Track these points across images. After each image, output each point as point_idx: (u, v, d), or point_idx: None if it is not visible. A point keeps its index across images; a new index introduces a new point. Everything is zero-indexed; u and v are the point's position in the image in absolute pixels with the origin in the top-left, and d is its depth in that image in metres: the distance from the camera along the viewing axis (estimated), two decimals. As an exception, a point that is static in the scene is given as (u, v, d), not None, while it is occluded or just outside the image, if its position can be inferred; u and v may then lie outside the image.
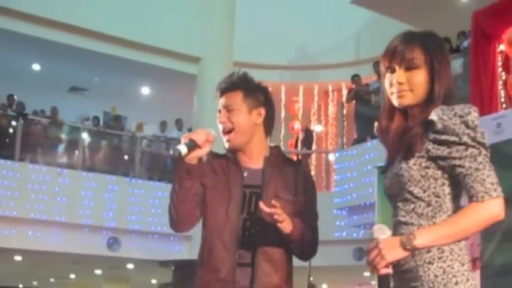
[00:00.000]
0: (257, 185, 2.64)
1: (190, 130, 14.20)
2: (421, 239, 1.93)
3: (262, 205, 2.41)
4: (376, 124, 10.04)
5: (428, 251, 1.97)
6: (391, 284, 2.04)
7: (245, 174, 2.65)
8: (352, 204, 10.30)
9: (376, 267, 1.96)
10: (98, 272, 15.65)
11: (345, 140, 12.10)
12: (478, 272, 6.13)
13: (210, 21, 14.20)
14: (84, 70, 14.65)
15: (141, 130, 14.61)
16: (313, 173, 13.02)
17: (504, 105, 8.26)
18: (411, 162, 2.03)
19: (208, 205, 2.63)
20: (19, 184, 11.73)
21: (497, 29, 8.45)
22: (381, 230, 2.00)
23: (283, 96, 14.63)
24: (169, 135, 14.67)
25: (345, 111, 12.33)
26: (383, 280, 1.99)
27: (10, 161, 12.02)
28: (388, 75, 2.11)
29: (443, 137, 1.97)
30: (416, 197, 2.02)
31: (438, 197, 2.01)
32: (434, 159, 2.00)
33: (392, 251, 1.95)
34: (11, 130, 12.87)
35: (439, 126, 1.98)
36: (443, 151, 1.98)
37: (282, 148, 2.88)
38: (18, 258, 13.61)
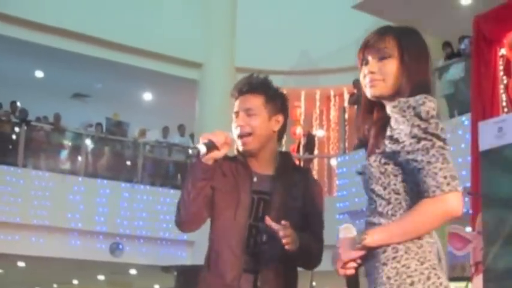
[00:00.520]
0: (265, 192, 2.61)
1: (192, 136, 14.23)
2: (372, 238, 1.86)
3: (268, 220, 2.39)
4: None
5: (384, 251, 1.88)
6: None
7: (255, 179, 2.63)
8: (354, 209, 10.30)
9: (336, 269, 1.92)
10: (101, 277, 15.66)
11: (346, 144, 12.11)
12: (480, 276, 6.14)
13: (211, 27, 14.24)
14: (87, 76, 14.69)
15: (143, 136, 14.63)
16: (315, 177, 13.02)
17: (506, 109, 8.27)
18: (372, 159, 1.96)
19: (216, 208, 2.61)
20: (22, 190, 11.75)
21: (498, 33, 8.46)
22: (346, 229, 1.95)
23: (285, 102, 14.62)
24: (171, 140, 14.69)
25: (346, 116, 12.34)
26: (348, 281, 1.95)
27: (13, 167, 12.04)
28: (362, 68, 2.06)
29: (397, 131, 1.88)
30: (378, 195, 1.94)
31: (398, 194, 1.91)
32: (391, 155, 1.91)
33: (346, 250, 1.90)
34: (14, 136, 12.90)
35: (393, 120, 1.90)
36: (397, 146, 1.88)
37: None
38: (21, 264, 13.63)
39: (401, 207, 1.90)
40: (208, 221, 2.67)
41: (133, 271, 14.51)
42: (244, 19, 14.27)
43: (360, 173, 2.05)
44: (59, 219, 11.98)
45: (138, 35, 13.36)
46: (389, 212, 1.91)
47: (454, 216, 1.82)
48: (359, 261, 1.94)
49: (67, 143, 13.85)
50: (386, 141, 1.91)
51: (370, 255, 1.91)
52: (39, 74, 14.87)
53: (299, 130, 14.77)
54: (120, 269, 14.01)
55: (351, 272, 1.93)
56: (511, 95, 8.36)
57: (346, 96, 13.91)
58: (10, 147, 12.75)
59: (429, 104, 1.86)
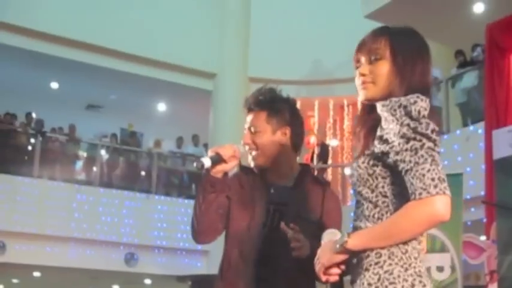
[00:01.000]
0: (282, 203, 2.60)
1: (206, 146, 14.28)
2: (352, 241, 1.76)
3: (283, 226, 2.38)
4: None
5: (367, 256, 1.78)
6: None
7: (271, 190, 2.63)
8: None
9: (318, 273, 1.83)
10: (116, 287, 15.71)
11: (360, 154, 12.09)
12: (495, 285, 6.12)
13: (225, 37, 14.30)
14: (101, 88, 14.78)
15: (159, 147, 14.69)
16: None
17: (520, 118, 8.25)
18: (360, 160, 1.87)
19: (231, 219, 2.61)
20: (38, 201, 11.84)
21: (511, 41, 8.45)
22: (331, 234, 1.88)
23: (298, 111, 14.64)
24: (185, 151, 14.74)
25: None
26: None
27: (29, 178, 12.14)
28: (356, 71, 1.98)
29: (386, 131, 1.79)
30: (365, 198, 1.85)
31: (385, 196, 1.82)
32: (380, 156, 1.81)
33: (327, 254, 1.81)
34: (29, 147, 13.01)
35: (383, 120, 1.81)
36: (386, 146, 1.78)
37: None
38: (37, 274, 13.69)
39: (389, 210, 1.81)
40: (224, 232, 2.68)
41: (148, 281, 14.53)
42: (258, 29, 14.32)
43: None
44: (74, 230, 12.06)
45: (152, 45, 13.44)
46: (376, 216, 1.82)
47: (441, 220, 1.69)
48: (343, 267, 1.85)
49: (82, 153, 13.95)
50: (376, 142, 1.82)
51: (354, 261, 1.83)
52: (54, 85, 14.98)
53: (313, 139, 14.76)
54: (135, 279, 14.05)
55: (335, 278, 1.85)
56: (524, 103, 8.35)
57: (360, 106, 13.89)
58: (26, 158, 12.86)
59: (421, 104, 1.76)
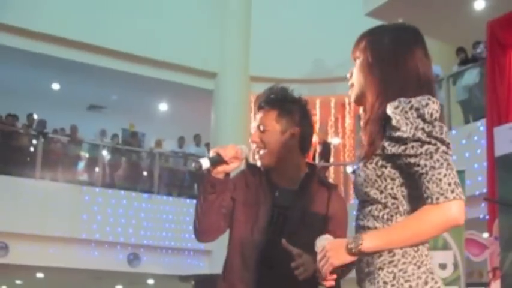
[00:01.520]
0: (286, 206, 2.57)
1: (208, 145, 14.28)
2: (368, 243, 1.76)
3: (285, 243, 2.34)
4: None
5: (380, 256, 1.79)
6: None
7: (276, 193, 2.59)
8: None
9: (324, 273, 1.81)
10: (119, 287, 15.72)
11: (362, 152, 12.09)
12: (498, 282, 6.12)
13: (226, 37, 14.30)
14: (102, 88, 14.80)
15: (160, 146, 14.70)
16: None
17: (521, 114, 8.24)
18: (367, 161, 1.85)
19: (235, 220, 2.59)
20: (40, 202, 11.85)
21: (512, 38, 8.45)
22: (325, 239, 1.87)
23: (300, 110, 14.64)
24: (187, 150, 14.75)
25: (361, 124, 12.33)
26: None
27: (31, 179, 12.15)
28: None
29: (398, 133, 1.77)
30: (373, 199, 1.84)
31: (395, 198, 1.82)
32: (390, 157, 1.80)
33: (338, 254, 1.79)
34: (31, 149, 13.02)
35: (394, 121, 1.78)
36: (398, 148, 1.77)
37: None
38: (40, 275, 13.72)
39: (399, 211, 1.82)
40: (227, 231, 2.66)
41: (151, 281, 14.55)
42: (259, 28, 14.32)
43: (353, 172, 1.97)
44: (77, 230, 12.07)
45: (153, 45, 13.44)
46: (385, 216, 1.82)
47: (457, 225, 1.73)
48: (339, 271, 1.85)
49: (84, 154, 13.95)
50: (386, 143, 1.80)
51: (364, 260, 1.84)
52: (55, 86, 15.00)
53: (314, 138, 14.69)
54: (138, 279, 14.06)
55: (331, 284, 1.85)
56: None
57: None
58: (28, 159, 12.86)
59: (433, 106, 1.76)
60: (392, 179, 1.82)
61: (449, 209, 1.69)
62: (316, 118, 15.03)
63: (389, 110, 1.79)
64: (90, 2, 12.99)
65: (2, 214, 11.38)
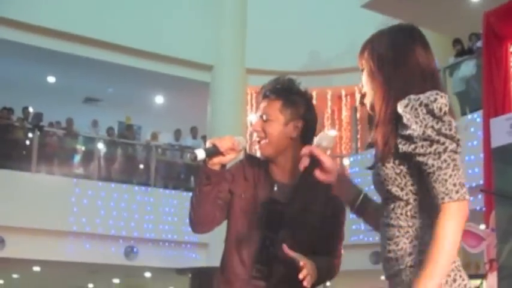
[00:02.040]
0: (284, 202, 2.53)
1: (204, 138, 14.27)
2: (427, 285, 1.74)
3: (286, 248, 2.31)
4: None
5: (410, 254, 1.86)
6: None
7: (275, 188, 2.55)
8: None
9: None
10: (116, 281, 15.75)
11: (358, 144, 12.11)
12: (494, 274, 6.12)
13: (221, 29, 14.27)
14: (98, 81, 14.77)
15: (156, 139, 14.68)
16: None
17: (517, 106, 8.24)
18: (385, 160, 1.90)
19: (232, 214, 2.55)
20: (36, 195, 11.82)
21: (508, 29, 8.43)
22: (325, 139, 2.08)
23: (296, 102, 14.63)
24: (184, 143, 14.73)
25: (358, 116, 12.35)
26: None
27: (27, 172, 12.12)
28: None
29: (408, 132, 1.82)
30: (395, 196, 1.90)
31: (416, 194, 1.88)
32: (404, 155, 1.85)
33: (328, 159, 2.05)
34: (27, 142, 12.99)
35: (404, 119, 1.83)
36: (408, 147, 1.83)
37: None
38: (36, 268, 13.72)
39: (421, 208, 1.87)
40: (224, 223, 2.62)
41: (148, 274, 14.56)
42: (255, 21, 14.29)
43: (370, 168, 2.02)
44: (73, 224, 12.06)
45: (148, 38, 13.41)
46: (409, 213, 1.88)
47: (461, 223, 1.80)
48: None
49: (80, 147, 13.93)
50: (398, 141, 1.85)
51: (393, 257, 1.90)
52: (51, 79, 14.96)
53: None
54: (135, 272, 14.07)
55: None
56: (522, 91, 8.33)
57: (358, 96, 13.89)
58: (24, 152, 12.83)
59: (441, 100, 1.80)
60: (412, 176, 1.87)
61: (455, 210, 1.77)
62: (313, 110, 15.03)
63: (400, 108, 1.85)
64: (85, -6, 12.96)
65: (-2, 208, 11.37)
